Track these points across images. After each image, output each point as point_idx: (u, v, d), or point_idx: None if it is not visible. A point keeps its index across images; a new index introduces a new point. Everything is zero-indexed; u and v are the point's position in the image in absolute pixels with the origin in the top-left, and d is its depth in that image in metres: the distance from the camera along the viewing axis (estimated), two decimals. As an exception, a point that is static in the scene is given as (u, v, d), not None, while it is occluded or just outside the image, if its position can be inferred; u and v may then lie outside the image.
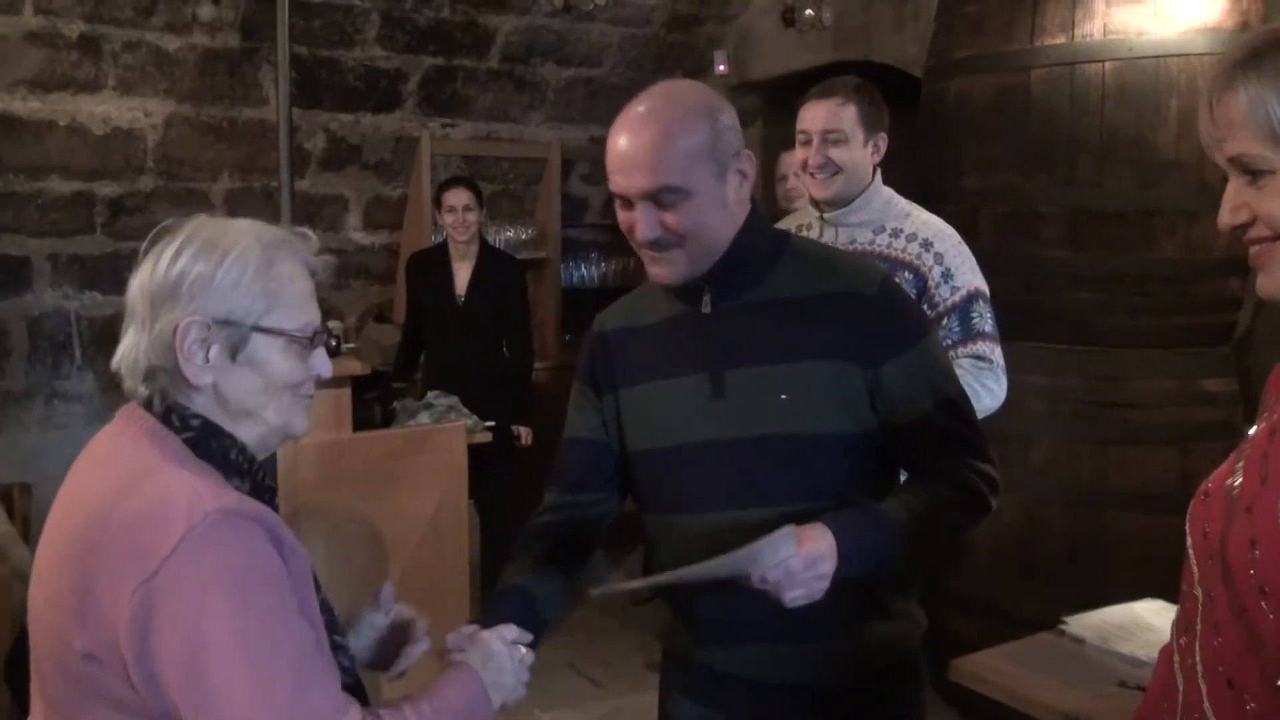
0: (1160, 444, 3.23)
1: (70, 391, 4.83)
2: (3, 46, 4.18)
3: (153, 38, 4.46)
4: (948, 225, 2.76)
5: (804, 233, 2.79)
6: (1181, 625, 1.29)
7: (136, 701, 1.27)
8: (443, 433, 3.64)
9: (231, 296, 1.38)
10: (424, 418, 3.71)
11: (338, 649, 1.46)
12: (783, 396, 1.72)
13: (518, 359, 4.62)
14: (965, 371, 2.59)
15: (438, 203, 4.58)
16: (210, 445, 1.39)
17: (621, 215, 1.74)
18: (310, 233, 1.50)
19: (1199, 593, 1.24)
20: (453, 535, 3.58)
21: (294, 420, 1.48)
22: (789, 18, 5.26)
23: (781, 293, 1.75)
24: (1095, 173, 3.22)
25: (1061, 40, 3.25)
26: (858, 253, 1.89)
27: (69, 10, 4.24)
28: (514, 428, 4.51)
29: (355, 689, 1.47)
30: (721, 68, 5.75)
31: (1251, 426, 1.29)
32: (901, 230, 2.71)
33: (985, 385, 2.63)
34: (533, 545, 1.88)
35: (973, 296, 2.66)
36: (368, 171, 5.33)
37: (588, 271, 6.12)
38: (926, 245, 2.69)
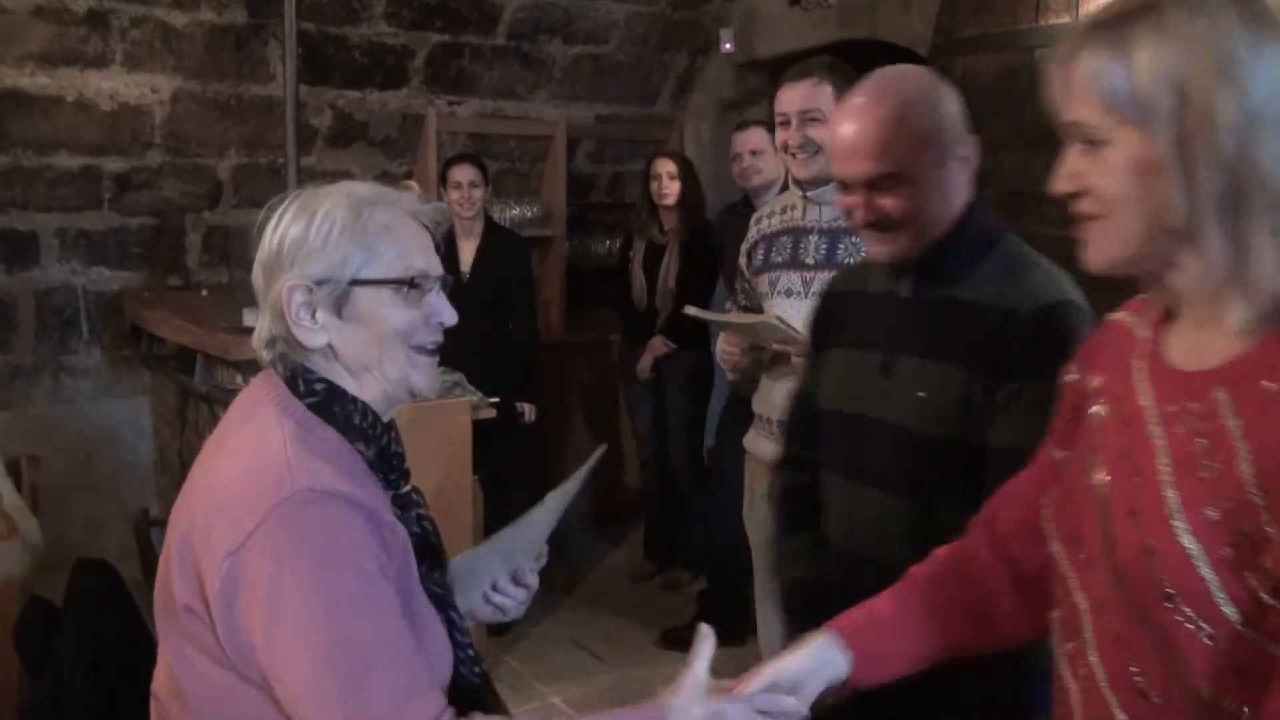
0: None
1: (77, 366, 4.86)
2: (10, 22, 4.18)
3: (160, 14, 4.46)
4: None
5: (789, 212, 2.84)
6: (1065, 629, 1.27)
7: (224, 658, 1.31)
8: (447, 409, 3.67)
9: (324, 254, 1.38)
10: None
11: (454, 625, 1.48)
12: (920, 394, 1.80)
13: (523, 336, 4.65)
14: None
15: (443, 179, 4.60)
16: (333, 410, 1.40)
17: (841, 199, 1.88)
18: (412, 183, 1.53)
19: (1080, 599, 1.23)
20: (457, 511, 3.60)
21: (414, 376, 1.47)
22: (794, -4, 5.26)
23: (966, 293, 1.80)
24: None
25: (1066, 20, 3.24)
26: (1045, 268, 1.82)
27: (76, -15, 4.25)
28: (518, 405, 4.53)
29: (475, 662, 1.50)
30: (727, 46, 5.74)
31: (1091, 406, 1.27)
32: None
33: None
34: (809, 518, 2.04)
35: None
36: (374, 148, 5.34)
37: (593, 250, 6.12)
38: None
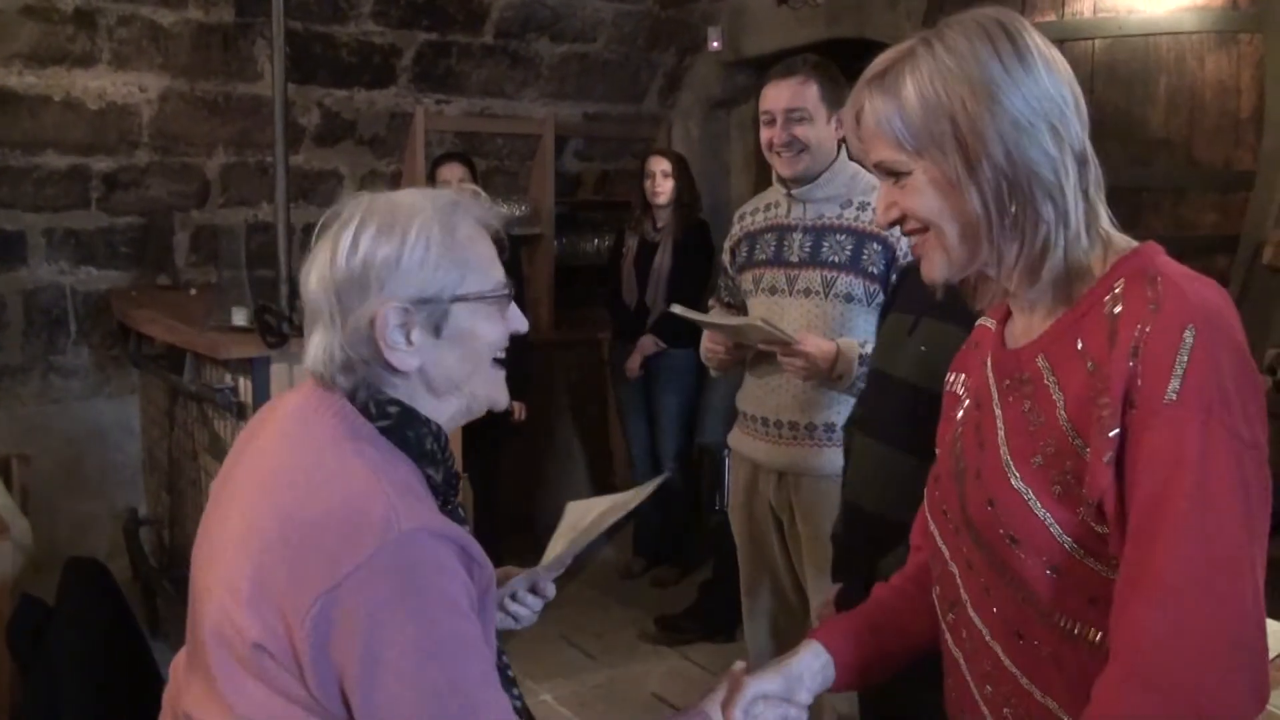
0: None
1: (66, 366, 4.85)
2: (-3, 21, 4.18)
3: (147, 12, 4.45)
4: None
5: (771, 210, 2.88)
6: (945, 602, 1.42)
7: (304, 697, 1.25)
8: (437, 407, 3.67)
9: (422, 274, 1.33)
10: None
11: (505, 669, 1.45)
12: (922, 348, 1.95)
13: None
14: None
15: (432, 178, 4.60)
16: (406, 434, 1.35)
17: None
18: (480, 190, 1.48)
19: (954, 567, 1.38)
20: (447, 508, 3.60)
21: (496, 393, 1.45)
22: (782, -6, 5.27)
23: None
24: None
25: (1052, 18, 3.27)
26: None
27: (64, -16, 4.25)
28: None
29: (520, 715, 1.45)
30: (715, 44, 5.75)
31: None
32: (868, 204, 2.73)
33: None
34: None
35: None
36: (362, 147, 5.34)
37: (582, 248, 6.13)
38: None
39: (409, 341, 1.34)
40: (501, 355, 1.45)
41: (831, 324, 2.72)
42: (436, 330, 1.35)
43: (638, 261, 4.95)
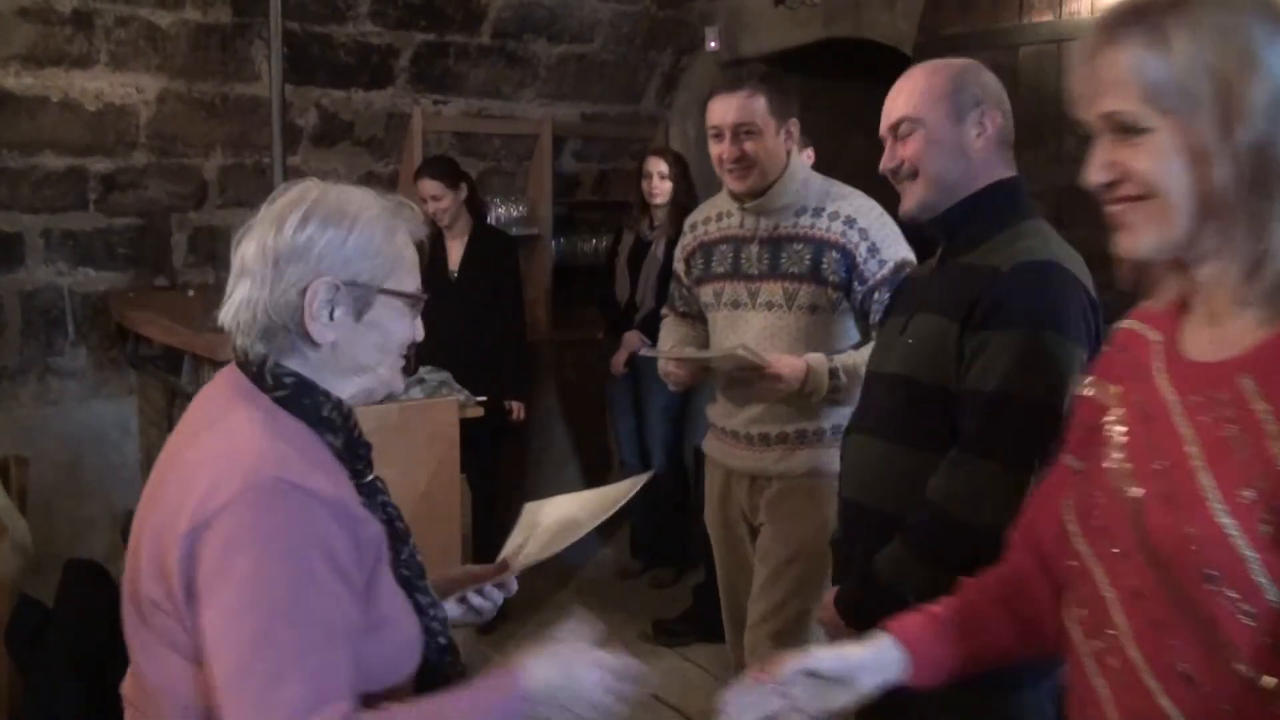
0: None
1: (64, 367, 4.85)
2: (-6, 22, 4.18)
3: (145, 13, 4.45)
4: (868, 199, 2.77)
5: (725, 220, 2.85)
6: (1090, 627, 1.28)
7: (188, 645, 1.32)
8: (435, 408, 3.67)
9: (360, 261, 1.44)
10: (416, 393, 3.73)
11: (422, 610, 1.52)
12: (909, 341, 1.96)
13: (510, 335, 4.64)
14: None
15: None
16: (303, 402, 1.44)
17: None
18: (414, 206, 1.57)
19: (1110, 594, 1.24)
20: (445, 510, 3.61)
21: (396, 380, 1.55)
22: (778, -5, 5.27)
23: (974, 259, 1.93)
24: (1082, 150, 3.19)
25: (1049, 17, 3.27)
26: (1046, 238, 1.90)
27: (61, -15, 4.24)
28: (507, 403, 4.54)
29: (445, 651, 1.54)
30: (713, 44, 5.75)
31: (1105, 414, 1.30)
32: (823, 209, 2.72)
33: None
34: None
35: (900, 267, 2.67)
36: (360, 148, 5.34)
37: (580, 248, 6.13)
38: (850, 222, 2.69)
39: (331, 317, 1.44)
40: (406, 353, 1.56)
41: (796, 336, 2.70)
42: (359, 314, 1.46)
43: (631, 259, 4.95)
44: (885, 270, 2.66)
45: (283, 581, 1.29)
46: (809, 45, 5.35)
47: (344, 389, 1.49)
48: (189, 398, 4.03)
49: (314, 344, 1.44)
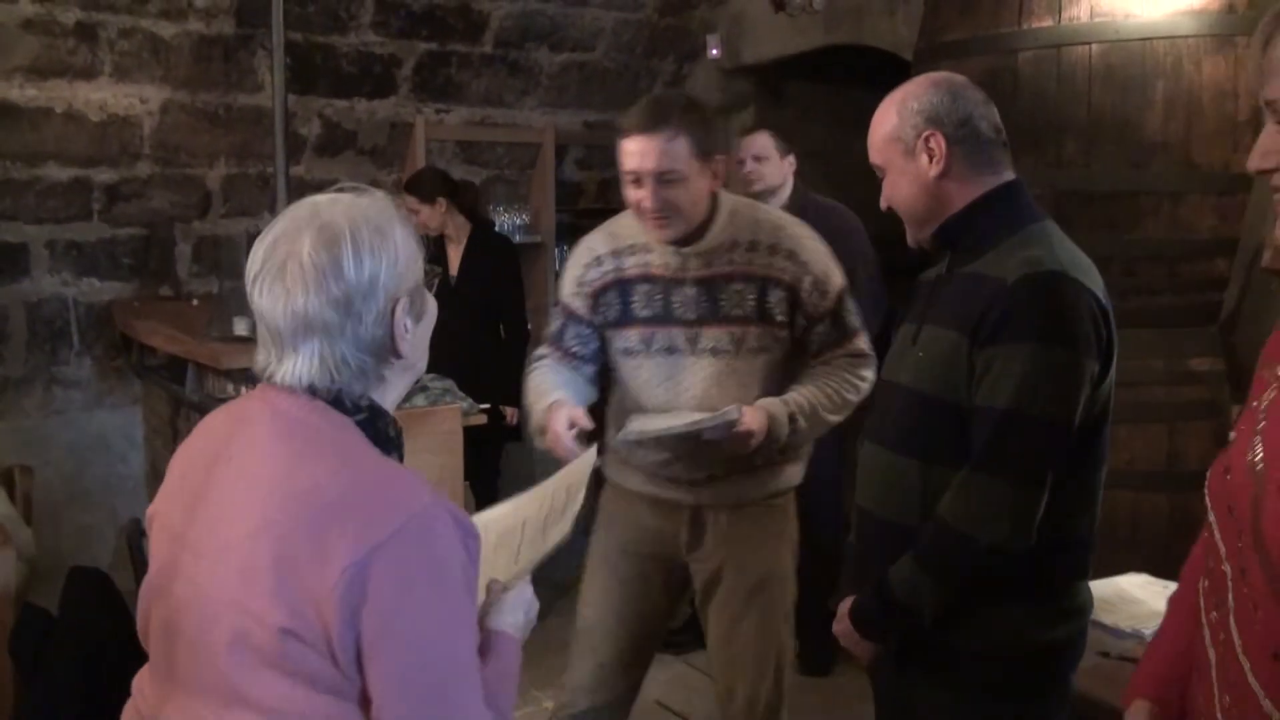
0: (1147, 422, 3.26)
1: (68, 377, 4.86)
2: (-1, 34, 4.20)
3: (148, 24, 4.47)
4: (795, 221, 2.61)
5: (641, 254, 2.56)
6: (1211, 599, 1.31)
7: (334, 678, 1.31)
8: (438, 416, 3.68)
9: (407, 267, 1.46)
10: (419, 400, 3.74)
11: None
12: (920, 354, 1.93)
13: (512, 340, 4.65)
14: (841, 369, 2.55)
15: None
16: (376, 425, 1.45)
17: None
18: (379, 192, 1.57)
19: (1228, 568, 1.26)
20: (449, 516, 3.61)
21: (424, 361, 1.57)
22: (780, 2, 5.27)
23: (982, 267, 1.89)
24: (1082, 154, 3.25)
25: (1049, 23, 3.28)
26: (1053, 245, 1.87)
27: (65, -3, 4.27)
28: (503, 408, 4.54)
29: None
30: (714, 52, 5.76)
31: (1238, 404, 1.31)
32: (759, 243, 2.51)
33: (861, 378, 2.55)
34: None
35: (841, 296, 2.55)
36: (363, 157, 5.35)
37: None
38: (791, 257, 2.50)
39: (406, 328, 1.46)
40: None
41: (746, 382, 2.50)
42: (419, 316, 1.49)
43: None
44: (828, 303, 2.52)
45: (453, 603, 1.34)
46: (810, 52, 5.36)
47: (400, 390, 1.52)
48: (193, 407, 4.06)
49: (400, 357, 1.46)
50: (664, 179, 2.38)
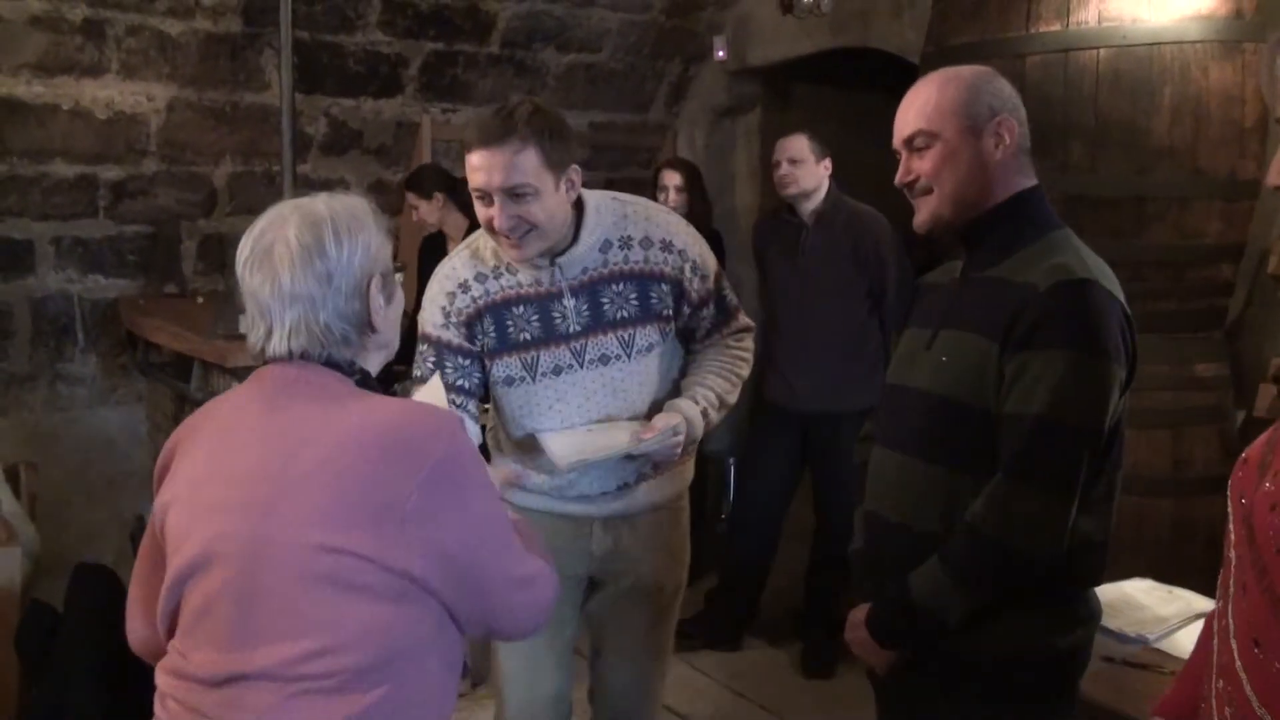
0: (1152, 427, 3.26)
1: (73, 374, 4.87)
2: (6, 30, 4.20)
3: (155, 22, 4.48)
4: (658, 207, 2.50)
5: (505, 276, 2.39)
6: (1222, 588, 1.35)
7: (408, 589, 1.51)
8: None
9: (380, 252, 1.66)
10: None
11: None
12: (943, 359, 1.90)
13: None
14: (728, 348, 2.52)
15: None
16: (370, 385, 1.66)
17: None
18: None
19: (1233, 555, 1.30)
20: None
21: (396, 344, 1.76)
22: (787, 4, 5.28)
23: (1004, 272, 1.88)
24: (1089, 159, 3.25)
25: (1057, 27, 3.28)
26: (1081, 254, 1.84)
27: (72, -6, 4.27)
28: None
29: None
30: (720, 54, 5.77)
31: (1243, 410, 1.35)
32: (631, 238, 2.37)
33: (746, 349, 2.54)
34: None
35: (718, 277, 2.48)
36: (369, 156, 5.36)
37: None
38: (668, 247, 2.39)
39: (381, 305, 1.65)
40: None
41: (642, 383, 2.42)
42: (389, 297, 1.68)
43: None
44: (708, 285, 2.44)
45: (493, 488, 1.65)
46: (816, 54, 5.36)
47: (376, 367, 1.70)
48: (198, 404, 4.04)
49: (375, 331, 1.65)
50: (513, 194, 2.20)
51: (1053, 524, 1.77)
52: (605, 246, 2.36)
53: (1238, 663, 1.24)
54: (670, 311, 2.42)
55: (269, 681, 1.48)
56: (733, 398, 2.50)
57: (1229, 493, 1.37)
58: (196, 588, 1.54)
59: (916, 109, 1.93)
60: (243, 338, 3.88)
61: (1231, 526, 1.34)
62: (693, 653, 4.39)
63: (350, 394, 1.60)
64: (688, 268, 2.41)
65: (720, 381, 2.47)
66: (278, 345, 1.59)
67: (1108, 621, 2.21)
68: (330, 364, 1.61)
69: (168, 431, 4.54)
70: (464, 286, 2.40)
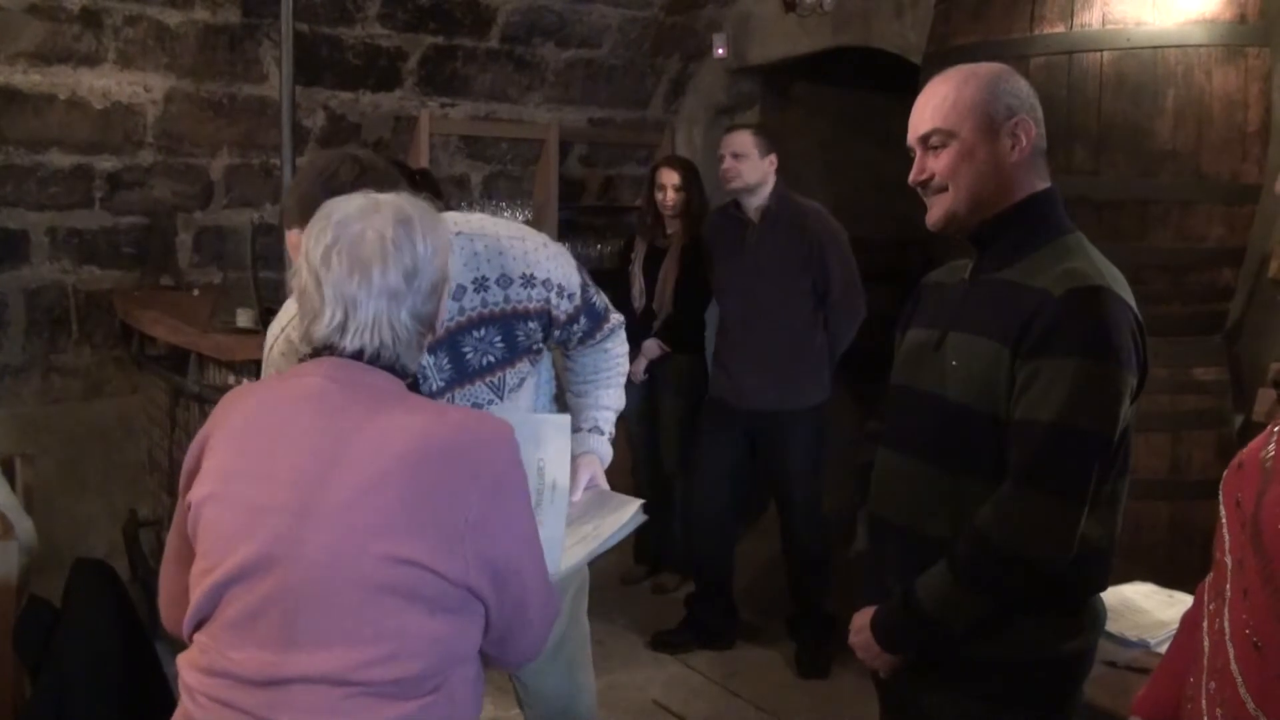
0: (1151, 431, 3.26)
1: (67, 365, 4.84)
2: (4, 18, 4.17)
3: (154, 12, 4.45)
4: (517, 235, 2.26)
5: None
6: (1212, 591, 1.36)
7: (461, 598, 1.53)
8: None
9: (449, 257, 1.69)
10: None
11: None
12: (953, 363, 1.88)
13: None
14: (607, 353, 2.50)
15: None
16: (419, 389, 1.71)
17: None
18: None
19: (1229, 560, 1.31)
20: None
21: None
22: (790, 2, 5.27)
23: (1015, 276, 1.86)
24: (1091, 162, 3.25)
25: (1060, 29, 3.27)
26: (1094, 260, 1.84)
27: (71, -17, 4.25)
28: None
29: None
30: (720, 51, 5.76)
31: (1242, 414, 1.35)
32: (487, 279, 2.19)
33: (620, 349, 2.53)
34: None
35: (584, 287, 2.35)
36: (366, 150, 5.32)
37: (585, 253, 6.12)
38: (529, 282, 2.21)
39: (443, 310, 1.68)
40: None
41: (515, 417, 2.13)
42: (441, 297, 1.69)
43: (646, 267, 4.95)
44: (575, 302, 2.31)
45: (530, 513, 1.66)
46: (816, 53, 5.35)
47: (414, 369, 1.68)
48: (193, 397, 4.05)
49: (433, 334, 1.67)
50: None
51: (1062, 531, 1.76)
52: (459, 294, 2.16)
53: (1234, 665, 1.25)
54: (540, 343, 2.31)
55: (328, 685, 1.48)
56: (622, 401, 2.55)
57: (1221, 496, 1.38)
58: (248, 589, 1.51)
59: (934, 106, 1.90)
60: (240, 331, 3.85)
61: (1226, 531, 1.34)
62: (687, 652, 4.39)
63: (403, 398, 1.59)
64: (553, 296, 2.25)
65: (611, 394, 2.53)
66: (351, 341, 1.57)
67: (1109, 626, 2.20)
68: (391, 369, 1.60)
69: (161, 424, 4.55)
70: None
